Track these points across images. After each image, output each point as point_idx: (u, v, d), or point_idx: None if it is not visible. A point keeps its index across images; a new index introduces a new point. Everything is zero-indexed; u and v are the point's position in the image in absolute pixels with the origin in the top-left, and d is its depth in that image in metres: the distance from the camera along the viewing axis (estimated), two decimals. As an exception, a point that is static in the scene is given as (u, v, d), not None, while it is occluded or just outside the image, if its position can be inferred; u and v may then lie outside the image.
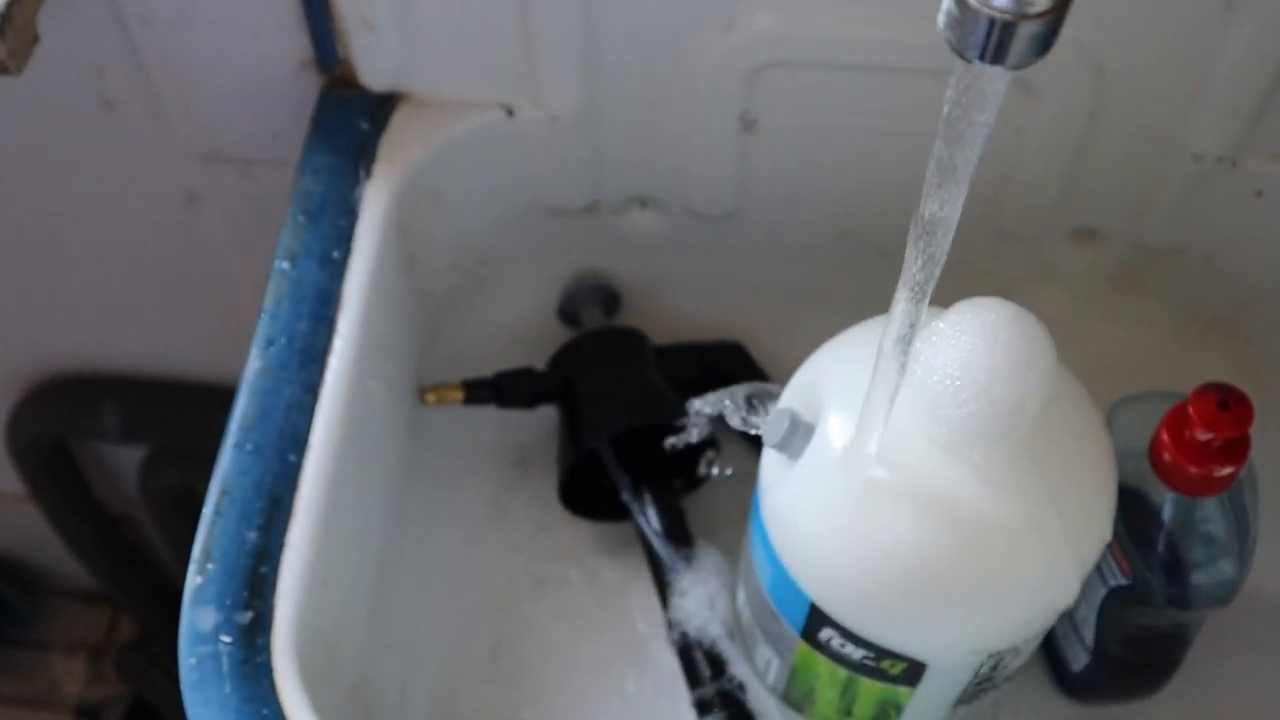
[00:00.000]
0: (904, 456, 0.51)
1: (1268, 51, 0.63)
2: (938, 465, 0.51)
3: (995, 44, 0.30)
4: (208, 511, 0.56)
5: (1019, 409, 0.48)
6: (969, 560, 0.51)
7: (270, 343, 0.61)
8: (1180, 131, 0.69)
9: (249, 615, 0.54)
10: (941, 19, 0.31)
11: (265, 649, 0.53)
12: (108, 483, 1.13)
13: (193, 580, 0.54)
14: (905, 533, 0.51)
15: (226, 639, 0.53)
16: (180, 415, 1.01)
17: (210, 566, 0.55)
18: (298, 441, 0.58)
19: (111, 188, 0.83)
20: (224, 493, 0.57)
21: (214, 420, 0.96)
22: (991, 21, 0.30)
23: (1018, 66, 0.31)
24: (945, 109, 0.35)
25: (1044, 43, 0.31)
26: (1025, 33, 0.30)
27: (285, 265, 0.63)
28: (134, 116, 0.76)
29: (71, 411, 1.02)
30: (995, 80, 0.33)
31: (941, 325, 0.49)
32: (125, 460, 1.08)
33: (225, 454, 0.58)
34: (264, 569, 0.55)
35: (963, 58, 0.31)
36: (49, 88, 0.73)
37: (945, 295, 0.79)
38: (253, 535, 0.56)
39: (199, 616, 0.53)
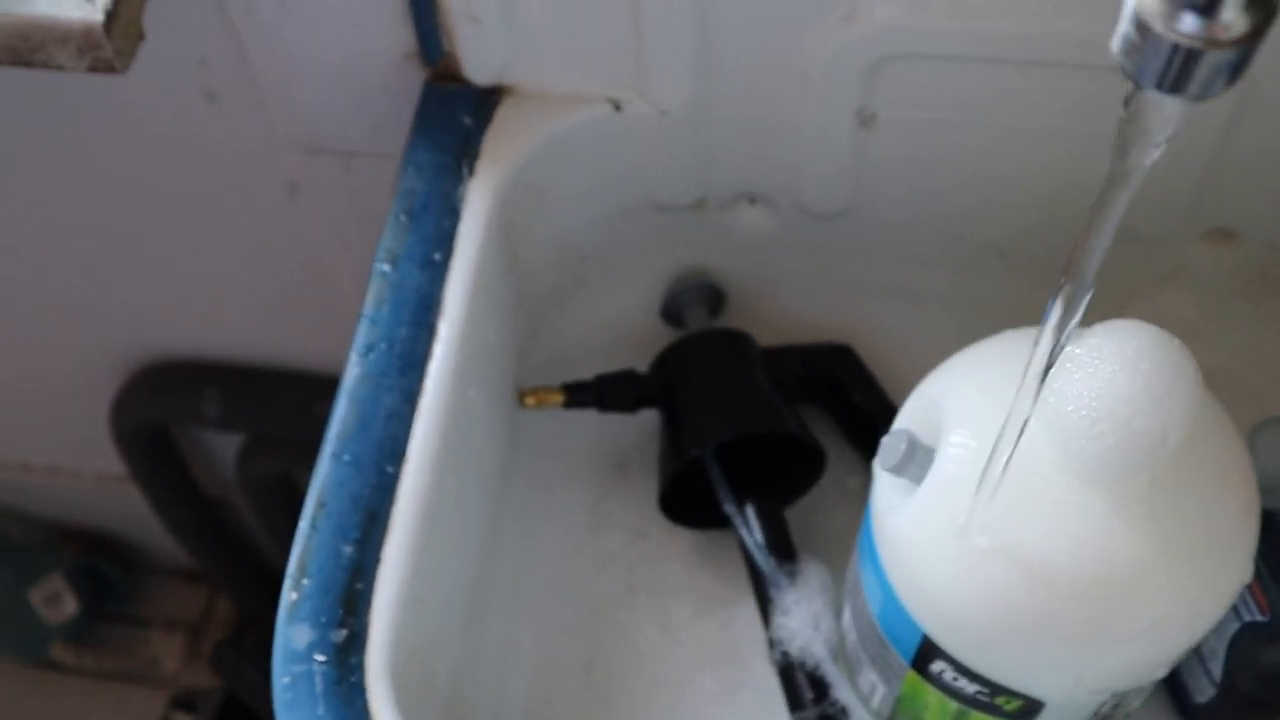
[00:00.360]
0: (1030, 486, 0.48)
1: None
2: (1066, 497, 0.48)
3: (1177, 72, 0.27)
4: (304, 525, 0.55)
5: (1159, 442, 0.45)
6: (1093, 599, 0.48)
7: (370, 349, 0.59)
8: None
9: (344, 633, 0.53)
10: (1117, 44, 0.28)
11: (359, 668, 0.52)
12: (207, 467, 1.14)
13: (288, 596, 0.53)
14: (1027, 567, 0.48)
15: (321, 658, 0.52)
16: (278, 404, 1.01)
17: (305, 582, 0.54)
18: (396, 452, 0.57)
19: (214, 178, 0.83)
20: (320, 505, 0.55)
21: (312, 409, 0.97)
22: (1175, 48, 0.27)
23: (1200, 98, 0.28)
24: (1115, 139, 0.32)
25: (1234, 72, 0.28)
26: (1212, 62, 0.27)
27: (386, 268, 0.62)
28: (236, 108, 0.75)
29: (173, 398, 1.02)
30: (1169, 109, 0.29)
31: (1079, 351, 0.46)
32: (224, 446, 1.09)
33: (323, 464, 0.57)
34: (360, 585, 0.54)
35: (1138, 86, 0.28)
36: (153, 80, 0.73)
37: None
38: (349, 550, 0.54)
39: (294, 634, 0.52)
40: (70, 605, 1.35)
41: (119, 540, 1.35)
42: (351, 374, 0.59)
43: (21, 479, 1.25)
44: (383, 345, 0.59)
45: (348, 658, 0.52)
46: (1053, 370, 0.46)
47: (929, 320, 0.76)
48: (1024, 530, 0.48)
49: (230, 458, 1.08)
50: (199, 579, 1.37)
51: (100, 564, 1.36)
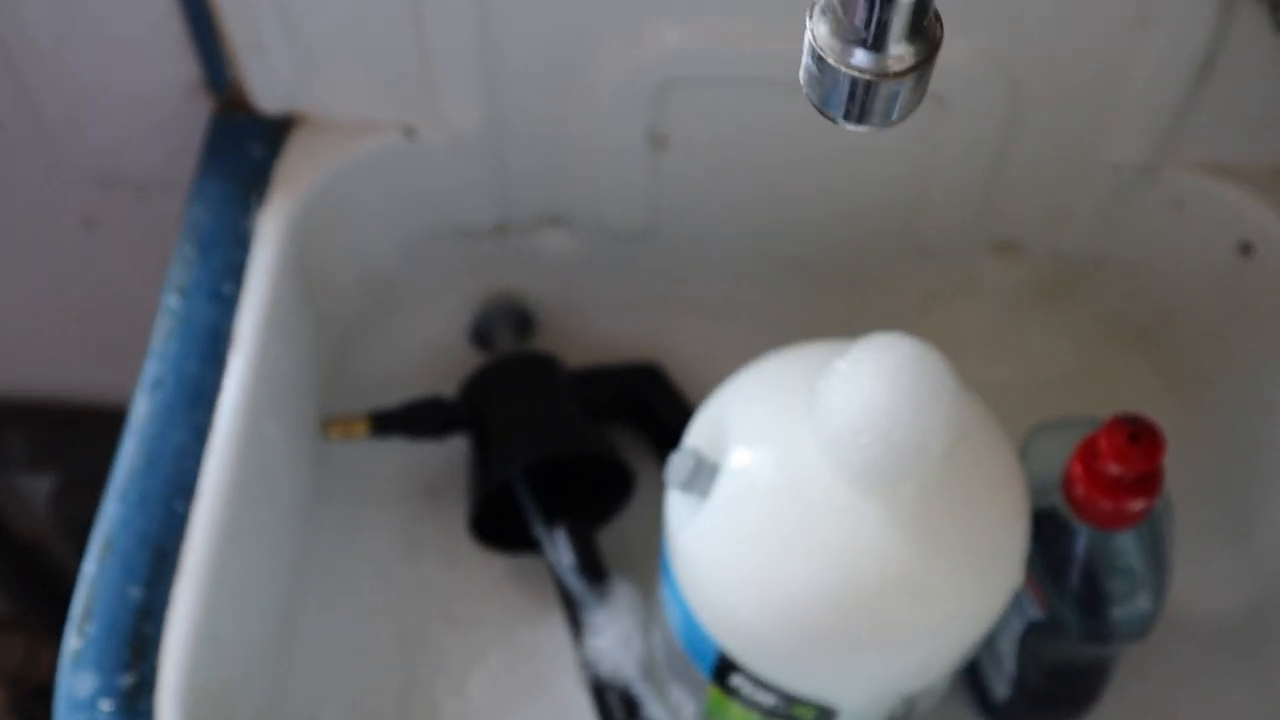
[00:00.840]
0: (807, 498, 0.50)
1: (1181, 61, 0.62)
2: (841, 507, 0.49)
3: (860, 105, 0.28)
4: (88, 567, 0.54)
5: (922, 451, 0.47)
6: (874, 605, 0.49)
7: (157, 385, 0.58)
8: (1099, 142, 0.67)
9: (131, 679, 0.51)
10: (802, 75, 0.29)
11: (148, 714, 0.51)
12: (18, 511, 1.10)
13: (70, 643, 0.52)
14: (809, 578, 0.49)
15: (106, 706, 0.51)
16: (91, 442, 0.98)
17: (90, 627, 0.52)
18: (185, 489, 0.56)
19: (7, 210, 0.80)
20: (106, 546, 0.54)
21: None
22: (853, 82, 0.28)
23: (885, 125, 0.29)
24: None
25: (913, 100, 0.29)
26: (888, 92, 0.28)
27: (173, 302, 0.61)
28: (20, 138, 0.73)
29: (-25, 440, 0.98)
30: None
31: (843, 366, 0.47)
32: (35, 488, 1.05)
33: (108, 504, 0.55)
34: (149, 628, 0.53)
35: (826, 116, 0.29)
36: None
37: (866, 310, 0.78)
38: (136, 591, 0.53)
39: (77, 682, 0.51)
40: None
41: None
42: (138, 411, 0.58)
43: None
44: (170, 380, 0.58)
45: (135, 704, 0.51)
46: (821, 384, 0.48)
47: (737, 336, 0.77)
48: (803, 543, 0.49)
49: (42, 500, 1.04)
50: (17, 626, 1.32)
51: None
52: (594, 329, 0.79)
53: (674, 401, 0.74)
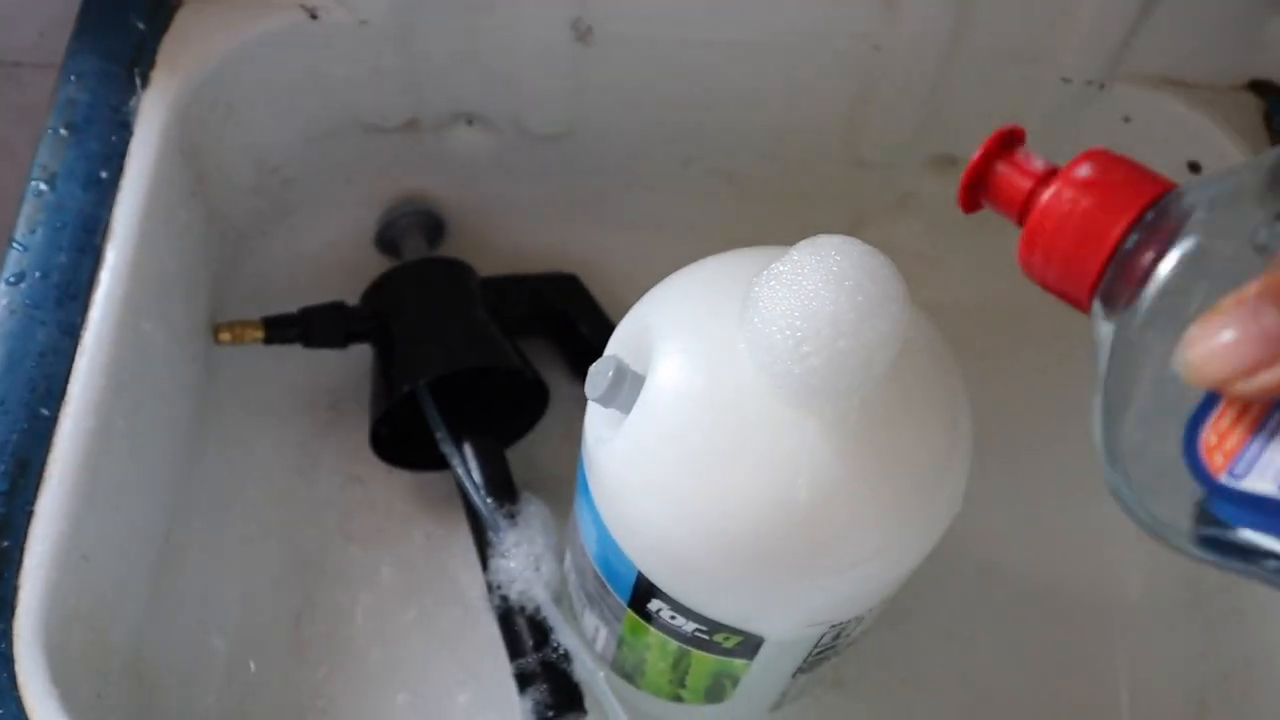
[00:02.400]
0: (740, 412, 0.46)
1: (1141, -33, 0.59)
2: (776, 423, 0.45)
3: None
4: (-63, 476, 0.48)
5: (867, 364, 0.43)
6: (809, 528, 0.45)
7: (20, 278, 0.53)
8: (1048, 53, 0.64)
9: (-14, 598, 0.46)
10: None
11: (5, 636, 0.46)
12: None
13: (-84, 560, 0.47)
14: (739, 499, 0.45)
15: (-44, 627, 0.46)
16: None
17: (-62, 542, 0.47)
18: (52, 393, 0.51)
19: None
20: (-41, 454, 0.49)
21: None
22: None
23: None
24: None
25: None
26: None
27: (42, 187, 0.55)
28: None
29: None
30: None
31: (782, 268, 0.43)
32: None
33: (-38, 408, 0.50)
34: (6, 543, 0.47)
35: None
36: None
37: (797, 225, 0.74)
38: (-8, 504, 0.48)
39: (-79, 601, 0.46)
40: None
41: None
42: (-2, 306, 0.52)
43: None
44: (37, 273, 0.53)
45: (-10, 626, 0.46)
46: (757, 289, 0.44)
47: (659, 248, 0.73)
48: (732, 460, 0.45)
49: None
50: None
51: None
52: (508, 236, 0.75)
53: (593, 314, 0.70)
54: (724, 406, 0.46)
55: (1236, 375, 0.29)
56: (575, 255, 0.74)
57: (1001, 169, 0.36)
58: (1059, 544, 0.69)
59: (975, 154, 0.36)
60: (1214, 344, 0.29)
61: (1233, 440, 0.29)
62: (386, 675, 0.63)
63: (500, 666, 0.61)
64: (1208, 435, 0.30)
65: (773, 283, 0.43)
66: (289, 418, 0.69)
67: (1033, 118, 0.67)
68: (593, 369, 0.49)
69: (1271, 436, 0.29)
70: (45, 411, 0.50)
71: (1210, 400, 0.31)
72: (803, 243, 0.44)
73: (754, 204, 0.74)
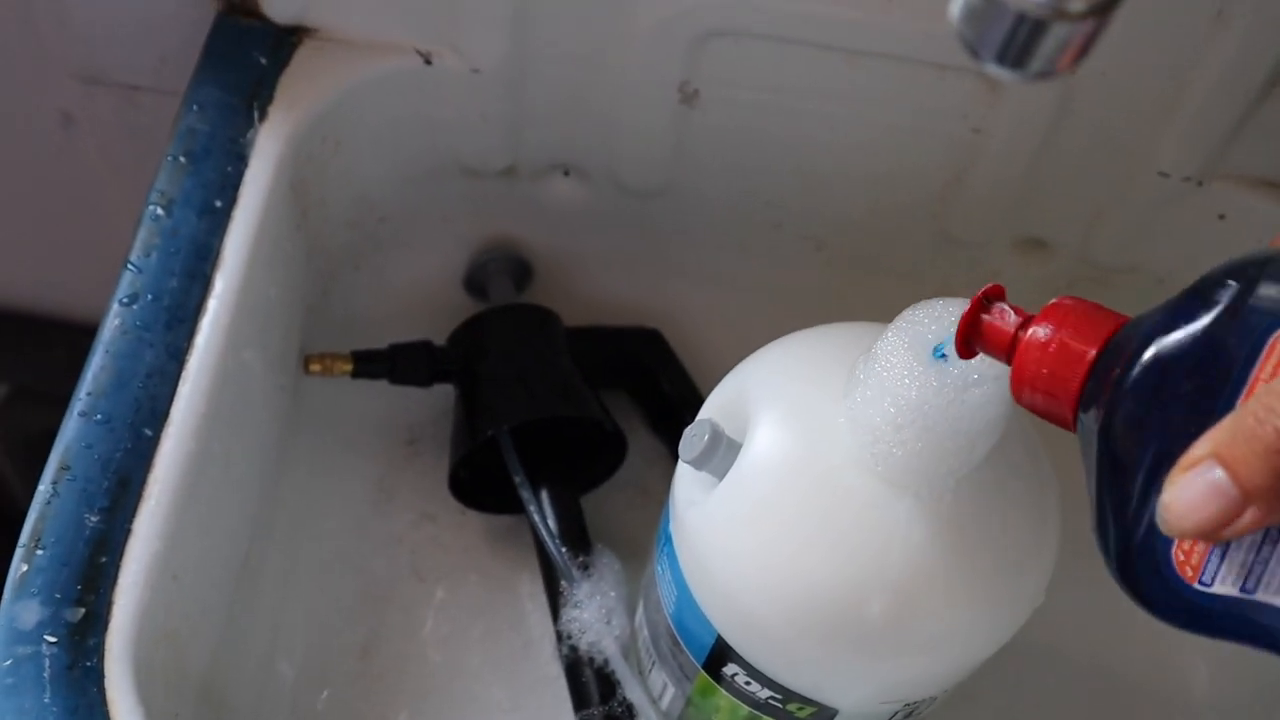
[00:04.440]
0: (835, 486, 0.46)
1: (1252, 67, 0.59)
2: (871, 499, 0.46)
3: (1020, 45, 0.25)
4: (43, 489, 0.49)
5: (969, 449, 0.43)
6: (894, 607, 0.46)
7: (134, 299, 0.54)
8: (1148, 146, 0.64)
9: (81, 611, 0.47)
10: (956, 8, 0.25)
11: (97, 651, 0.47)
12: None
13: (17, 569, 0.47)
14: (828, 571, 0.46)
15: (51, 639, 0.46)
16: (46, 354, 0.93)
17: (40, 553, 0.48)
18: (156, 414, 0.52)
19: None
20: (64, 468, 0.50)
21: (85, 361, 0.89)
22: (1021, 17, 0.24)
23: (1041, 76, 0.25)
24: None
25: (1080, 49, 0.25)
26: (1057, 35, 0.24)
27: (159, 212, 0.56)
28: (4, 26, 0.68)
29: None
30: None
31: (885, 347, 0.44)
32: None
33: (69, 423, 0.51)
34: (104, 559, 0.48)
35: (976, 58, 0.26)
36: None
37: (881, 295, 0.75)
38: (94, 519, 0.49)
39: (21, 611, 0.46)
40: None
41: None
42: (110, 325, 0.53)
43: None
44: (149, 296, 0.54)
45: (84, 639, 0.47)
46: (860, 365, 0.44)
47: (743, 309, 0.74)
48: (825, 532, 0.46)
49: (-15, 411, 0.99)
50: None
51: None
52: (593, 287, 0.75)
53: (674, 370, 0.71)
54: (820, 479, 0.46)
55: (1213, 531, 0.32)
56: (659, 310, 0.74)
57: (987, 319, 0.41)
58: (1124, 630, 0.68)
59: (964, 310, 0.41)
60: (1181, 508, 0.32)
61: (1196, 555, 0.34)
62: (448, 716, 0.63)
63: (563, 715, 0.61)
64: (1176, 552, 0.35)
65: (875, 365, 0.43)
66: (368, 451, 0.70)
67: (1125, 208, 0.68)
68: (688, 431, 0.49)
69: (1226, 546, 0.34)
70: (148, 432, 0.51)
71: None
72: (903, 316, 0.44)
73: (840, 272, 0.74)
